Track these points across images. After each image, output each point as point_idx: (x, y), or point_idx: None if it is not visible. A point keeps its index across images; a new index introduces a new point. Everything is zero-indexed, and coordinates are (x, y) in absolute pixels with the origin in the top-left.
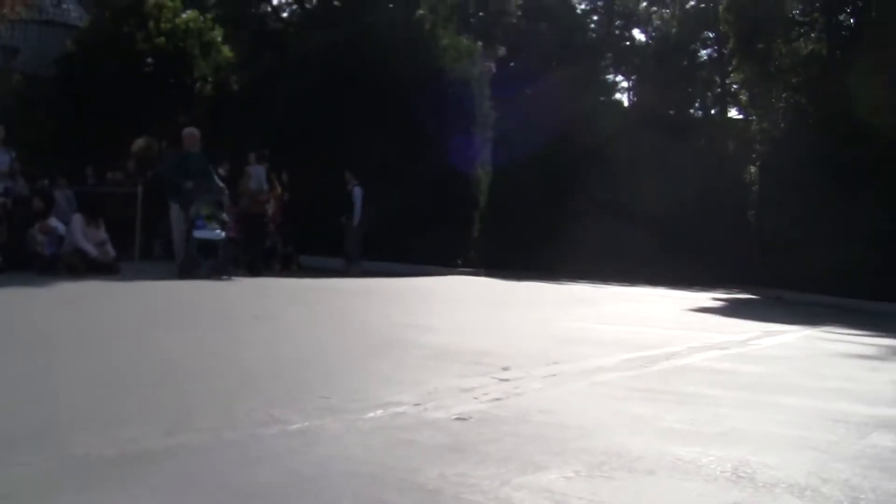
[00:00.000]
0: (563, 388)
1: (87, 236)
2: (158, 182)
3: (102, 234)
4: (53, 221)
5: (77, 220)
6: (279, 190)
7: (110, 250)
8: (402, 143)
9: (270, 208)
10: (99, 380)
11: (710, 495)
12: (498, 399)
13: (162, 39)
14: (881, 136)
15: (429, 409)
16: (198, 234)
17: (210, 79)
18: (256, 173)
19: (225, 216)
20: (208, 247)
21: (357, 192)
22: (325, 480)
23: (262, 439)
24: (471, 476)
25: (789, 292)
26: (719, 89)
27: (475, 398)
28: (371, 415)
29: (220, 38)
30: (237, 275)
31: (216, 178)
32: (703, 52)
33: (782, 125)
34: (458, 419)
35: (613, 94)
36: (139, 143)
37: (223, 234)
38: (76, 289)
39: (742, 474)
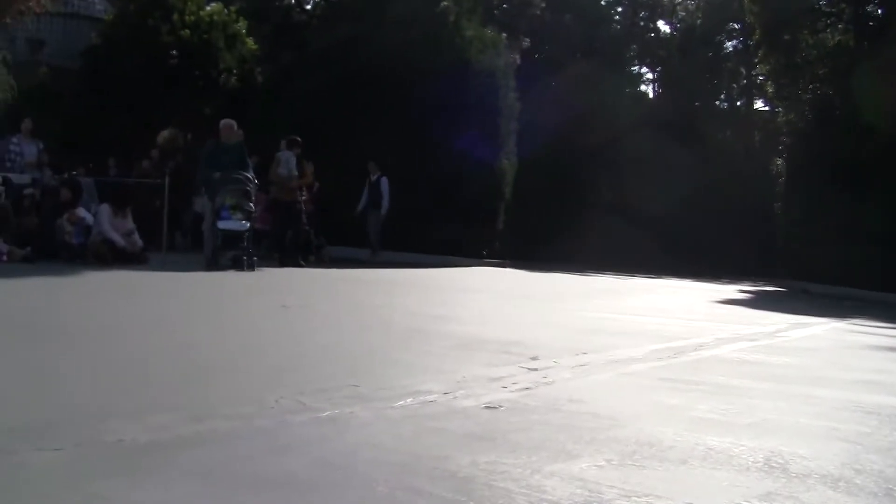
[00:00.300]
0: (592, 377)
1: (114, 226)
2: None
3: (130, 223)
4: (82, 211)
5: (105, 209)
6: (310, 177)
7: (138, 240)
8: (427, 135)
9: (303, 195)
10: (128, 369)
11: (743, 485)
12: (527, 388)
13: (186, 32)
14: None
15: (458, 397)
16: (222, 224)
17: (235, 71)
18: (286, 159)
19: (251, 206)
20: (233, 238)
21: (384, 182)
22: (355, 468)
23: (291, 426)
24: (502, 464)
25: (815, 284)
26: (745, 81)
27: (504, 387)
28: (400, 403)
29: (244, 31)
30: (268, 266)
31: (251, 170)
32: (729, 44)
33: (809, 117)
34: (487, 408)
35: (638, 85)
36: (164, 134)
37: (248, 224)
38: (104, 279)
39: (774, 465)
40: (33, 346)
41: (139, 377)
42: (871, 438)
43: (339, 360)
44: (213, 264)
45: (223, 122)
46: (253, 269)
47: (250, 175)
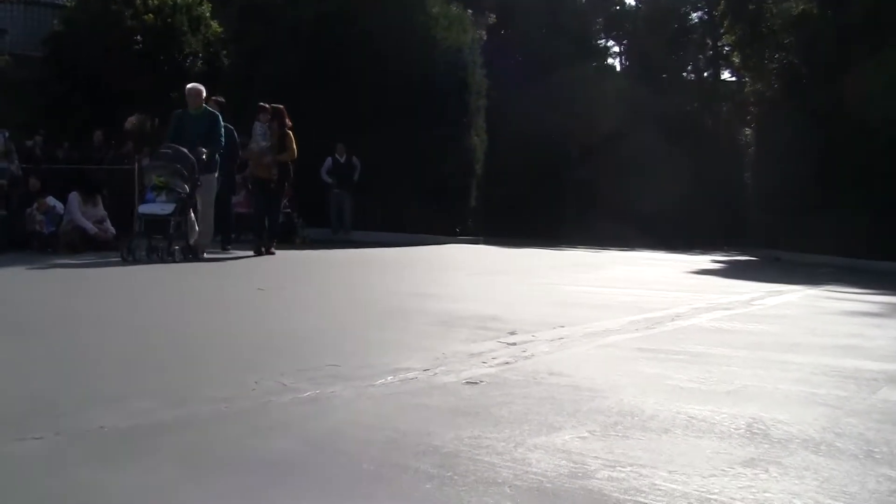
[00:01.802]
0: (571, 350)
1: (85, 214)
2: None
3: (101, 211)
4: (51, 200)
5: (74, 197)
6: (294, 153)
7: (109, 227)
8: (396, 113)
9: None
10: (106, 356)
11: (726, 452)
12: (507, 363)
13: (150, 16)
14: (874, 100)
15: (438, 374)
16: (142, 209)
17: (200, 55)
18: (254, 132)
19: (185, 188)
20: (154, 223)
21: (357, 162)
22: (340, 447)
23: (274, 408)
24: (485, 438)
25: (786, 252)
26: (711, 52)
27: (484, 362)
28: (381, 381)
29: (208, 14)
30: (245, 250)
31: (219, 143)
32: (694, 15)
33: (776, 86)
34: (468, 383)
35: (605, 59)
36: (132, 120)
37: (173, 207)
38: (76, 268)
39: (756, 431)
40: (7, 337)
41: (117, 364)
42: (849, 402)
43: (317, 340)
44: (126, 255)
45: (188, 86)
46: (175, 261)
47: (210, 151)
